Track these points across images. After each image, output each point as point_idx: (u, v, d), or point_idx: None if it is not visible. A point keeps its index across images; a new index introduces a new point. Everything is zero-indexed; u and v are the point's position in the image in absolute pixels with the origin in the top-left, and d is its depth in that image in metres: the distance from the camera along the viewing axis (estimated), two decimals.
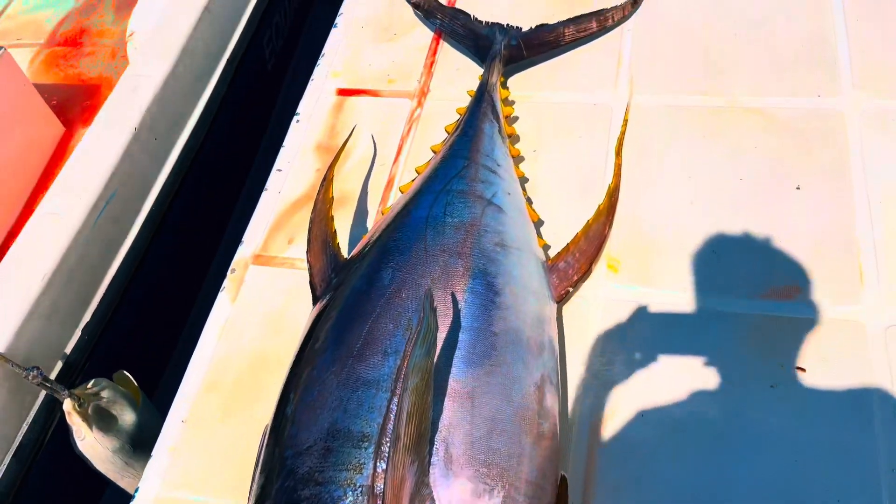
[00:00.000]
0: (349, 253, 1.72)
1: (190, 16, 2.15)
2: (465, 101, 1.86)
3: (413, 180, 1.64)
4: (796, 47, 1.87)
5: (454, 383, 1.14)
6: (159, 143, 2.00)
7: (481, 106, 1.74)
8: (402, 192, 1.63)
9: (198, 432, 1.53)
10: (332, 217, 1.57)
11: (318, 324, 1.29)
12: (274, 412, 1.23)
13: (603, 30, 1.99)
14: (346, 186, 1.86)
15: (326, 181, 1.63)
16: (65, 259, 1.71)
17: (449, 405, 1.12)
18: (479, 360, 1.18)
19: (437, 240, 1.34)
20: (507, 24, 2.01)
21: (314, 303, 1.42)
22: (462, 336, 1.19)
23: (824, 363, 1.39)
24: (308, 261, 1.49)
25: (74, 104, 2.68)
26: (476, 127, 1.67)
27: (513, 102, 1.93)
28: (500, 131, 1.71)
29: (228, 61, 2.28)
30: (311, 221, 1.55)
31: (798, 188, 1.63)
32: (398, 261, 1.31)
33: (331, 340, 1.22)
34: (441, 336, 1.18)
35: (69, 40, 2.99)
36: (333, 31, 2.23)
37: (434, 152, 1.73)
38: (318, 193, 1.61)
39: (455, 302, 1.24)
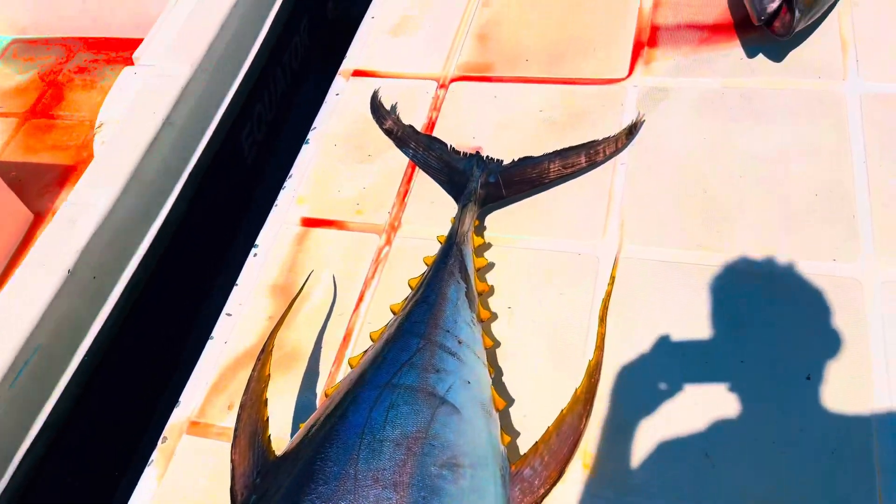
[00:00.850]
0: (295, 422, 1.55)
1: (147, 132, 1.94)
2: (436, 244, 1.68)
3: (365, 352, 1.45)
4: (809, 197, 1.66)
5: None
6: (98, 283, 1.79)
7: (448, 262, 1.55)
8: (351, 367, 1.43)
9: None
10: (266, 401, 1.37)
11: None
12: None
13: (592, 165, 1.80)
14: (298, 337, 1.67)
15: (265, 354, 1.43)
16: None
17: None
18: None
19: (372, 462, 1.13)
20: (487, 157, 1.82)
21: None
22: None
23: None
24: (232, 459, 1.29)
25: (45, 186, 2.57)
26: (439, 291, 1.47)
27: (489, 246, 1.73)
28: (467, 293, 1.51)
29: (188, 181, 2.08)
30: (241, 407, 1.36)
31: (808, 378, 1.40)
32: (321, 492, 1.10)
33: None
34: None
35: (43, 110, 2.90)
36: (305, 148, 2.06)
37: (393, 313, 1.53)
38: (253, 368, 1.41)
39: None
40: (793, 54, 1.94)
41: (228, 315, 1.74)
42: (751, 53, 1.97)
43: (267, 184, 2.73)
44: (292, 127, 2.95)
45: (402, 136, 1.90)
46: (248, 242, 1.92)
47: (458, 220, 1.66)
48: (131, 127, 1.97)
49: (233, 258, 2.43)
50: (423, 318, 1.41)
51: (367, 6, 2.47)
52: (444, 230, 1.70)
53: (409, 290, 1.58)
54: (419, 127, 2.02)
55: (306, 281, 1.70)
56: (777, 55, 1.94)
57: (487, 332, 1.56)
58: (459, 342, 1.39)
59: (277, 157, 2.85)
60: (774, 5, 1.77)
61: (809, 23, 1.86)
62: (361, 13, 2.46)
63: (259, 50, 2.50)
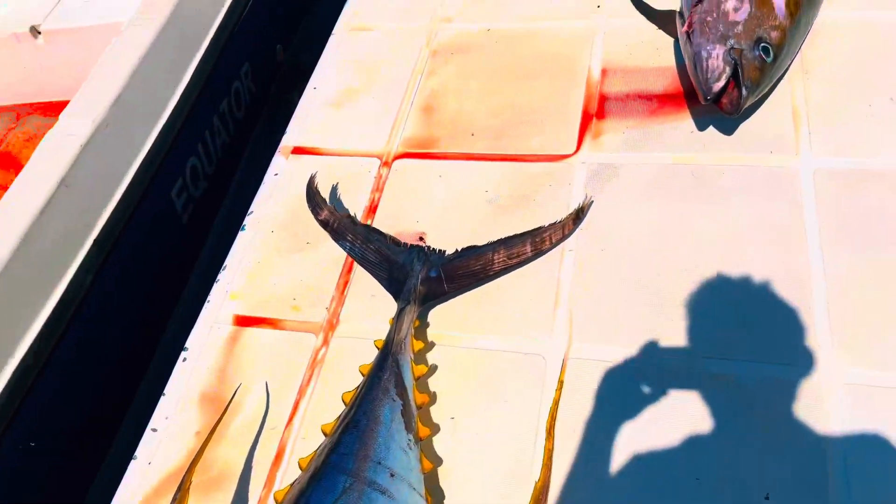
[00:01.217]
0: None
1: (38, 197, 1.77)
2: (375, 346, 1.57)
3: (291, 485, 1.33)
4: (764, 286, 1.58)
5: None
6: None
7: (383, 377, 1.44)
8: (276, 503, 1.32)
9: None
10: None
11: None
12: None
13: (539, 253, 1.71)
14: (227, 455, 1.55)
15: (182, 491, 1.31)
16: None
17: None
18: None
19: None
20: (428, 248, 1.73)
21: None
22: None
23: None
24: None
25: None
26: (371, 414, 1.37)
27: (431, 346, 1.63)
28: (404, 411, 1.40)
29: (93, 248, 1.89)
30: None
31: (767, 498, 1.31)
32: None
33: None
34: None
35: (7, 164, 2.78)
36: (240, 236, 1.95)
37: (325, 434, 1.42)
38: None
39: None
40: (744, 127, 1.87)
41: (154, 430, 1.62)
42: (701, 126, 1.89)
43: (211, 245, 2.57)
44: (242, 182, 2.78)
45: (339, 228, 1.79)
46: (185, 318, 1.79)
47: (395, 326, 1.55)
48: (19, 194, 1.81)
49: (162, 340, 2.28)
50: (352, 451, 1.30)
51: (318, 52, 2.38)
52: (384, 329, 1.60)
53: (343, 406, 1.47)
54: (361, 209, 1.93)
55: (233, 396, 1.59)
56: (728, 127, 1.87)
57: (427, 450, 1.45)
58: (392, 475, 1.28)
59: (223, 214, 2.69)
60: (720, 84, 1.70)
61: (758, 98, 1.80)
62: (312, 60, 2.36)
63: (181, 98, 2.33)
